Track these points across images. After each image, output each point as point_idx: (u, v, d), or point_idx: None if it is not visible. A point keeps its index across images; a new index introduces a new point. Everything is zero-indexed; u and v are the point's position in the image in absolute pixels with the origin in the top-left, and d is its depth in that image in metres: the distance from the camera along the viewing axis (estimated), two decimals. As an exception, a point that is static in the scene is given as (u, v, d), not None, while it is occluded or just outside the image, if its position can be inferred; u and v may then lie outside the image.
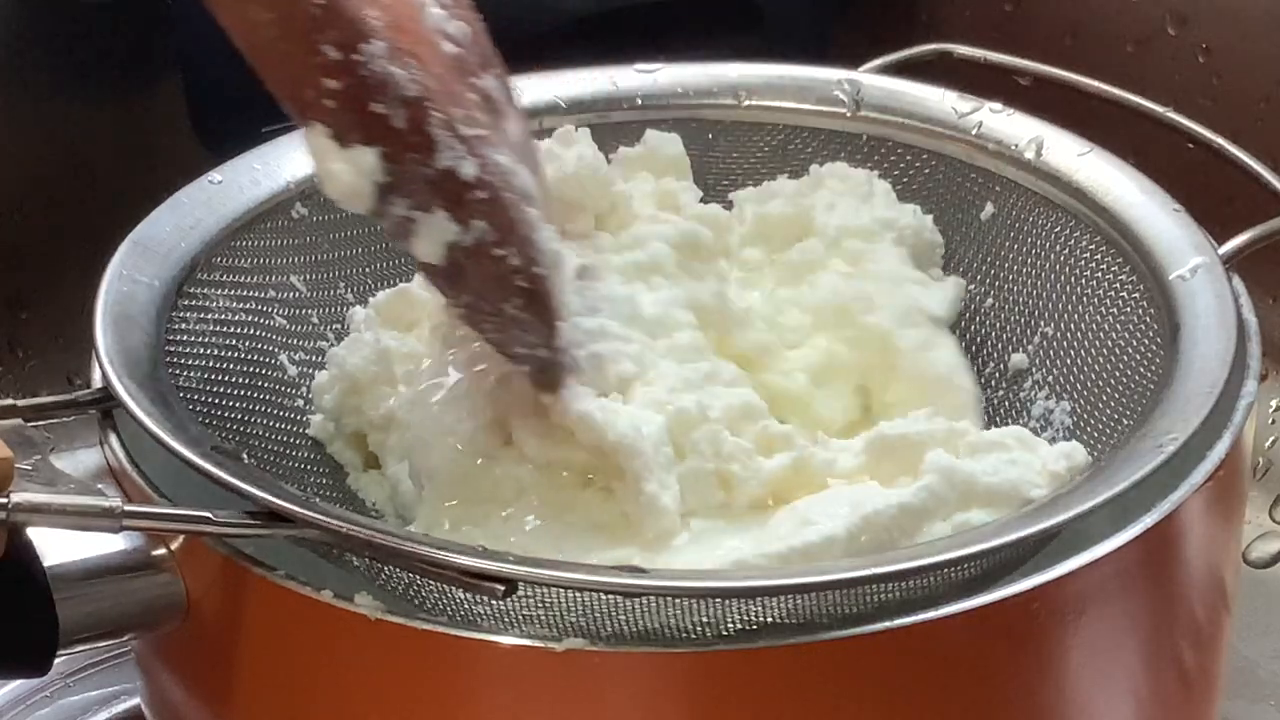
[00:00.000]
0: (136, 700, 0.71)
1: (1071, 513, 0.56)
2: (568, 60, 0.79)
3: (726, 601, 0.55)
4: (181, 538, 0.58)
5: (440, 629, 0.55)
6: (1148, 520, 0.58)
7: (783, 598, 0.55)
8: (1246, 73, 0.92)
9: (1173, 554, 0.60)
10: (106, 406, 0.61)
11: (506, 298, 0.59)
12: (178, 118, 0.95)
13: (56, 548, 0.57)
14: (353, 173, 0.56)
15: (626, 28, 0.98)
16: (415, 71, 0.56)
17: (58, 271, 0.91)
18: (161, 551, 0.58)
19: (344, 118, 0.56)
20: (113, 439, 0.61)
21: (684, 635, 0.55)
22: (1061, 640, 0.57)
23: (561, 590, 0.54)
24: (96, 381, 0.63)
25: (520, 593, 0.54)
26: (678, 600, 0.55)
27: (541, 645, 0.54)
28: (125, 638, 0.61)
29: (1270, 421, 0.90)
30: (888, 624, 0.55)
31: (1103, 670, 0.58)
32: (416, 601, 0.58)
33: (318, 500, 0.61)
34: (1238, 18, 0.93)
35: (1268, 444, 0.90)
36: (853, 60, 0.77)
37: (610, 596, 0.54)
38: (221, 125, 0.95)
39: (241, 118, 0.94)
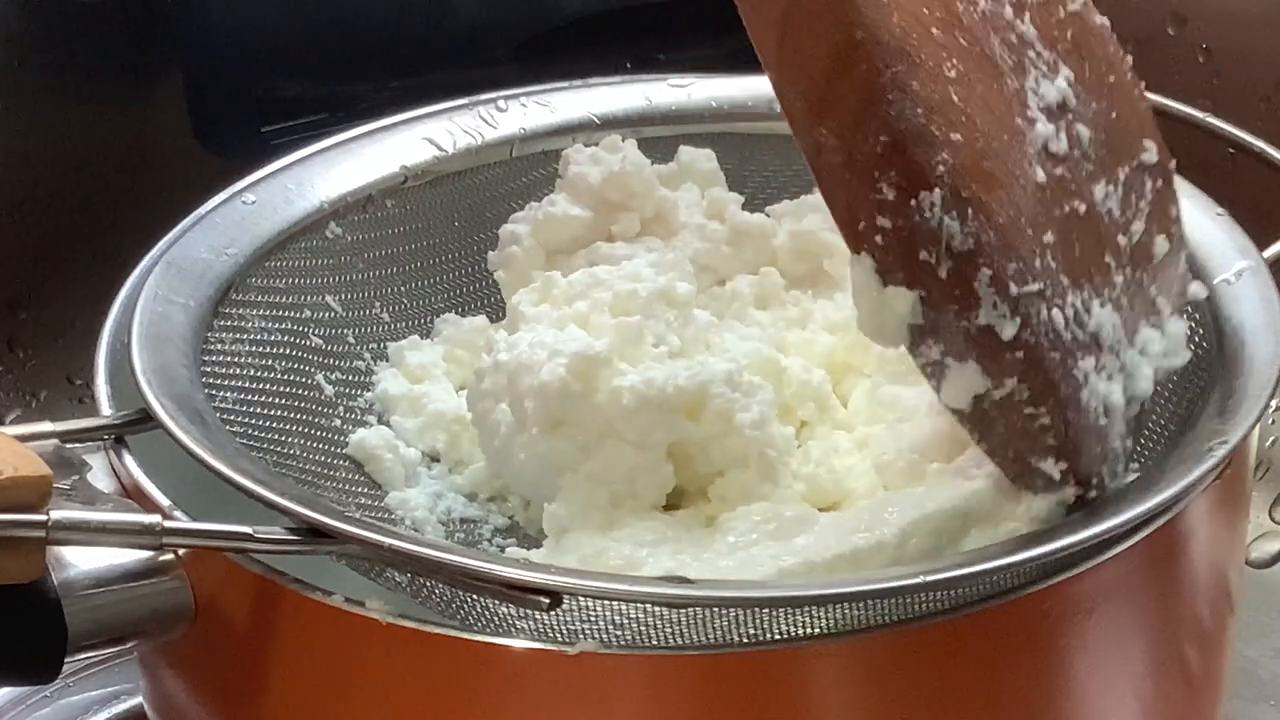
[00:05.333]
0: (137, 700, 0.71)
1: (1123, 517, 0.56)
2: (567, 60, 0.79)
3: (774, 611, 0.55)
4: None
5: (452, 633, 0.55)
6: (1156, 521, 0.58)
7: (832, 606, 0.55)
8: (1246, 73, 0.92)
9: (1179, 554, 0.60)
10: (141, 427, 0.61)
11: (1033, 452, 0.58)
12: (178, 118, 0.94)
13: (64, 554, 0.56)
14: (889, 313, 0.56)
15: (626, 28, 0.98)
16: (973, 224, 0.55)
17: (58, 271, 0.91)
18: (169, 557, 0.58)
19: (890, 257, 0.55)
20: (127, 458, 0.61)
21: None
22: (1072, 640, 0.57)
23: (607, 602, 0.54)
24: (103, 402, 0.63)
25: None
26: (725, 610, 0.55)
27: (555, 649, 0.54)
28: (132, 644, 0.60)
29: (1270, 421, 0.90)
30: (899, 626, 0.55)
31: (1110, 669, 0.58)
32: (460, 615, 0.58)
33: (359, 516, 0.61)
34: (1238, 18, 0.93)
35: (1268, 444, 0.90)
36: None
37: (656, 608, 0.54)
38: (221, 125, 0.95)
39: (241, 118, 0.95)
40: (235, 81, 0.94)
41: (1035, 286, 0.56)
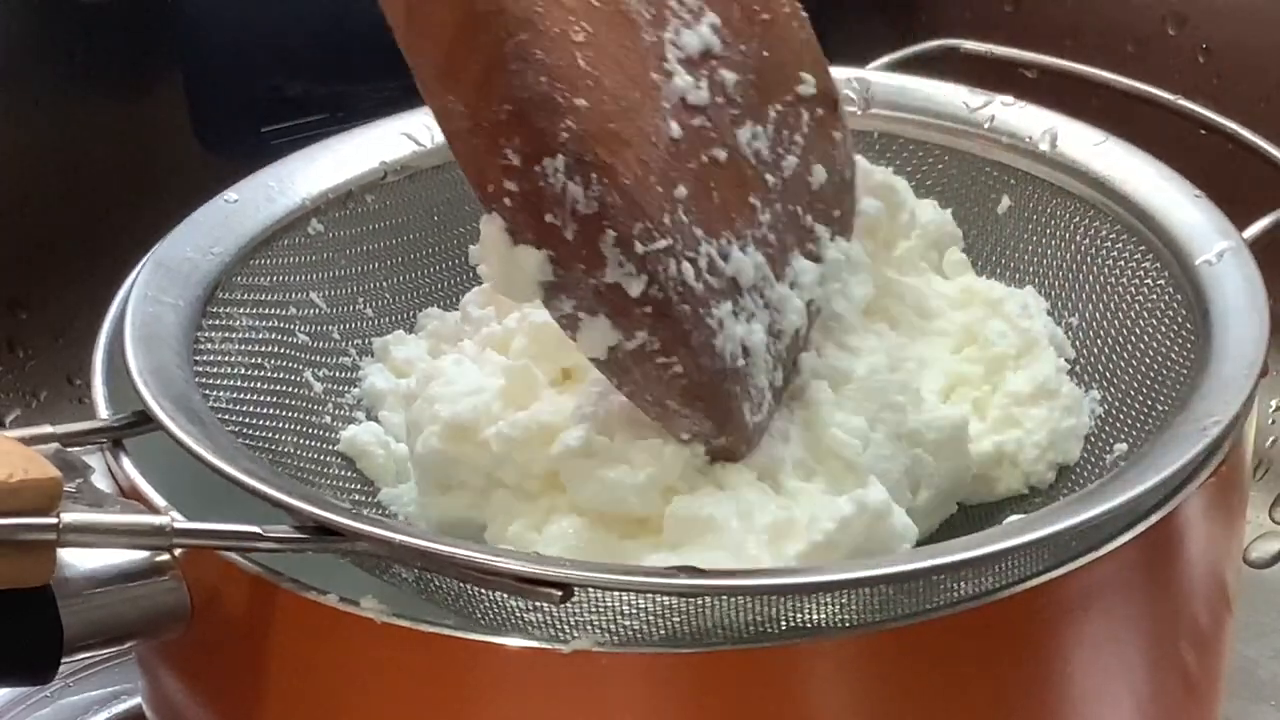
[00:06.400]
0: (137, 700, 0.71)
1: (1124, 498, 0.56)
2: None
3: (782, 600, 0.55)
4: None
5: (447, 631, 0.55)
6: (1150, 518, 0.58)
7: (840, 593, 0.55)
8: (1246, 73, 0.92)
9: (1176, 551, 0.60)
10: (141, 430, 0.61)
11: (669, 397, 0.59)
12: (178, 118, 0.95)
13: (60, 554, 0.56)
14: (518, 271, 0.57)
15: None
16: (597, 188, 0.56)
17: (58, 271, 0.91)
18: (165, 558, 0.58)
19: (518, 219, 0.56)
20: (125, 461, 0.61)
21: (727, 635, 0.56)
22: (1067, 638, 0.57)
23: (617, 593, 0.54)
24: (100, 404, 0.63)
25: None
26: (734, 600, 0.55)
27: (549, 647, 0.54)
28: (129, 644, 0.61)
29: (1270, 421, 0.90)
30: (892, 623, 0.55)
31: (1105, 669, 0.58)
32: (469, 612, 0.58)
33: (364, 512, 0.62)
34: (1238, 18, 0.93)
35: (1268, 444, 0.90)
36: (855, 60, 0.78)
37: (666, 598, 0.54)
38: (221, 125, 0.95)
39: (241, 118, 0.95)
40: (235, 81, 0.95)
41: (663, 244, 0.57)
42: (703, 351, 0.58)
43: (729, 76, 0.60)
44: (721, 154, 0.60)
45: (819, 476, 0.62)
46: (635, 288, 0.57)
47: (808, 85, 0.63)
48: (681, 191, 0.58)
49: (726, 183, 0.60)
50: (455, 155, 0.57)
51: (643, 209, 0.57)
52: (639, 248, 0.56)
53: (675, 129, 0.58)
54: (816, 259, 0.63)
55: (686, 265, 0.58)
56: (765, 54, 0.62)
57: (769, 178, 0.61)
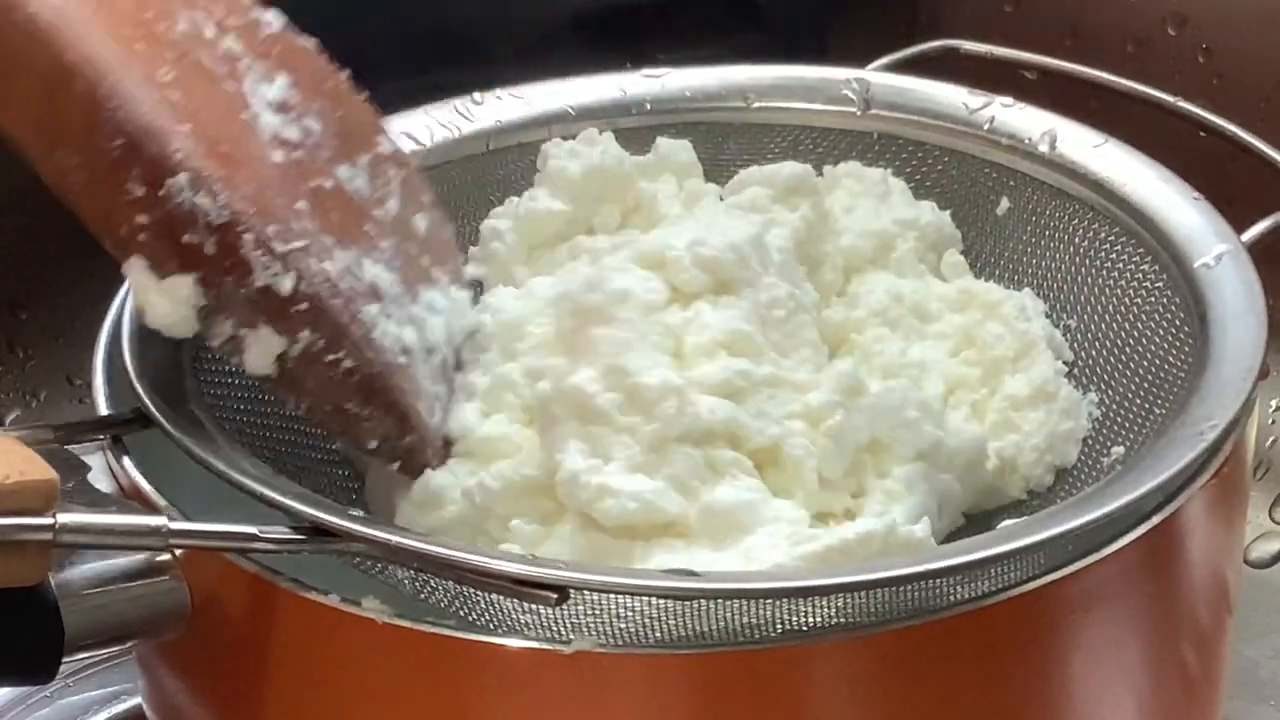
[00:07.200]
0: (137, 700, 0.71)
1: (1122, 500, 0.56)
2: (567, 60, 0.79)
3: (778, 603, 0.55)
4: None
5: (448, 632, 0.55)
6: (1151, 520, 0.58)
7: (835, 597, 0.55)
8: (1246, 73, 0.92)
9: (1177, 552, 0.60)
10: (138, 427, 0.61)
11: (346, 398, 0.60)
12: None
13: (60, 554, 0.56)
14: (172, 302, 0.58)
15: (626, 27, 0.98)
16: (224, 196, 0.57)
17: (58, 271, 0.91)
18: (166, 557, 0.58)
19: (158, 250, 0.57)
20: (125, 460, 0.61)
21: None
22: (1068, 640, 0.57)
23: (613, 596, 0.54)
24: (100, 404, 0.63)
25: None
26: (729, 603, 0.55)
27: (550, 648, 0.54)
28: (129, 644, 0.61)
29: (1270, 421, 0.90)
30: (892, 625, 0.55)
31: (1106, 670, 0.58)
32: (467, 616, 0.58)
33: (361, 514, 0.62)
34: (1238, 18, 0.93)
35: (1268, 444, 0.90)
36: (855, 60, 0.78)
37: (662, 601, 0.54)
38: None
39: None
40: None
41: (300, 243, 0.59)
42: (365, 344, 0.60)
43: (313, 125, 0.63)
44: (328, 183, 0.62)
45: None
46: (286, 285, 0.58)
47: (384, 147, 0.66)
48: (302, 205, 0.60)
49: (340, 208, 0.62)
50: (80, 214, 0.58)
51: (272, 214, 0.59)
52: (279, 247, 0.58)
53: (279, 156, 0.61)
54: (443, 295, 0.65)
55: (329, 264, 0.60)
56: (338, 113, 0.64)
57: (377, 212, 0.64)
